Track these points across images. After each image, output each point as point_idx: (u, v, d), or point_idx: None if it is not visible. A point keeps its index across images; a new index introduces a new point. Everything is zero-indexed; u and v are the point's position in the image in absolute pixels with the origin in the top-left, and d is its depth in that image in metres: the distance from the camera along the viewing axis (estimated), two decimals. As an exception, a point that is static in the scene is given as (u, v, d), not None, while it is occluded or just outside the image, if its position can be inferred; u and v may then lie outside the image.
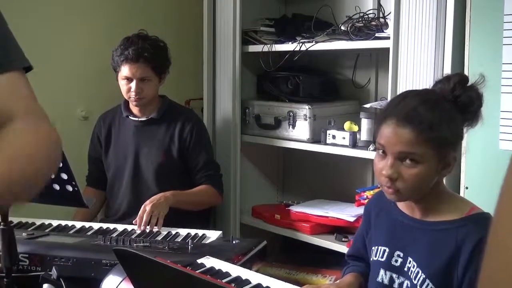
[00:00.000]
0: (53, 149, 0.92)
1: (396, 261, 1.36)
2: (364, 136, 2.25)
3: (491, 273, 0.32)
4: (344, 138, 2.30)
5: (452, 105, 1.28)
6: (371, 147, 2.19)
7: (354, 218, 2.28)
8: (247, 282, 1.39)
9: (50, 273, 1.62)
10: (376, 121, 1.48)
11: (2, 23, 0.97)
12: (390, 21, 2.11)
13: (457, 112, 1.28)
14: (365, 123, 2.24)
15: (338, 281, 1.58)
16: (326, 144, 2.37)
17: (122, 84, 2.32)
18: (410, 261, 1.32)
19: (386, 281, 1.37)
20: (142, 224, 2.02)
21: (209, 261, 1.52)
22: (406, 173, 1.26)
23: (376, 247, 1.41)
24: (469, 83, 1.30)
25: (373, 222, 1.47)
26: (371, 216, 1.48)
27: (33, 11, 2.52)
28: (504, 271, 0.30)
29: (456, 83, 1.29)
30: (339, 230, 2.36)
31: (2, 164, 0.82)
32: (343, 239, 2.30)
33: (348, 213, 2.34)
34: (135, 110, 2.41)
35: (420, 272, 1.29)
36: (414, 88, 2.00)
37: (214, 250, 1.70)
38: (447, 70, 1.92)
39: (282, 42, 2.55)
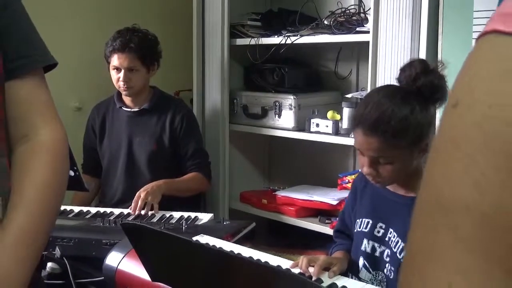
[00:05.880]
0: (65, 170, 1.03)
1: (378, 231, 1.47)
2: (346, 124, 2.33)
3: (421, 202, 0.39)
4: (327, 126, 2.40)
5: (418, 94, 1.35)
6: (352, 135, 2.31)
7: (337, 202, 2.38)
8: (240, 256, 1.52)
9: (53, 252, 1.71)
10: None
11: (24, 17, 1.01)
12: (370, 16, 2.21)
13: (423, 100, 1.35)
14: (346, 112, 2.33)
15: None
16: (310, 132, 2.47)
17: (113, 74, 2.40)
18: (391, 231, 1.43)
19: (368, 250, 1.48)
20: (137, 209, 2.13)
21: (203, 239, 1.64)
22: (383, 170, 1.38)
23: (361, 219, 1.52)
24: (431, 68, 1.35)
25: (359, 196, 1.57)
26: (357, 191, 1.59)
27: (26, 3, 2.58)
28: (430, 199, 0.38)
29: (417, 73, 1.34)
30: (322, 213, 2.45)
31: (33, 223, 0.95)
32: (327, 221, 2.41)
33: (331, 197, 2.43)
34: (127, 101, 2.48)
35: (400, 241, 1.40)
36: (391, 79, 2.12)
37: (207, 230, 1.79)
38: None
39: (268, 36, 2.62)
